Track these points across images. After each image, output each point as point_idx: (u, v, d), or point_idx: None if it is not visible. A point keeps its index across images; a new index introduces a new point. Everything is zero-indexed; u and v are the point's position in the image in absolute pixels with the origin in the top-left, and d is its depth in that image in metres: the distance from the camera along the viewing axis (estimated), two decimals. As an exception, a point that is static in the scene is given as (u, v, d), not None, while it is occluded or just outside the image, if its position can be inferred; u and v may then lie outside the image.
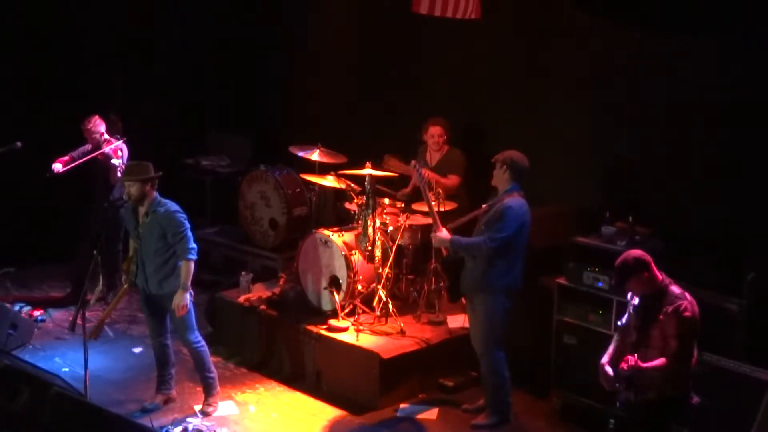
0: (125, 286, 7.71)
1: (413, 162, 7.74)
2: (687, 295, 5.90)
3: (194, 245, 7.33)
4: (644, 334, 5.96)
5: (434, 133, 8.76)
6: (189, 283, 7.31)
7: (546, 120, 8.83)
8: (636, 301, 6.11)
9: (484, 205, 7.34)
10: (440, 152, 8.85)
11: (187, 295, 7.31)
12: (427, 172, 8.55)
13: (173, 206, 7.38)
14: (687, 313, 5.82)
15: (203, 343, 7.61)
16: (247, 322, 8.67)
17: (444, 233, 7.32)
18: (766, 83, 7.34)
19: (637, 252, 6.01)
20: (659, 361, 5.84)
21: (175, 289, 7.32)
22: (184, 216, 7.37)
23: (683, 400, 6.00)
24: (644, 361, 5.83)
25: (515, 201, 7.15)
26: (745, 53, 7.42)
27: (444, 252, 7.58)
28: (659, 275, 5.96)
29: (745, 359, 6.67)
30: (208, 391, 7.67)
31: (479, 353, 7.38)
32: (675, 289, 5.94)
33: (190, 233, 7.34)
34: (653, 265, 5.95)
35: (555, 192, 8.62)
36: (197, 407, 7.69)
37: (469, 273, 7.32)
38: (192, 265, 7.31)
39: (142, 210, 7.39)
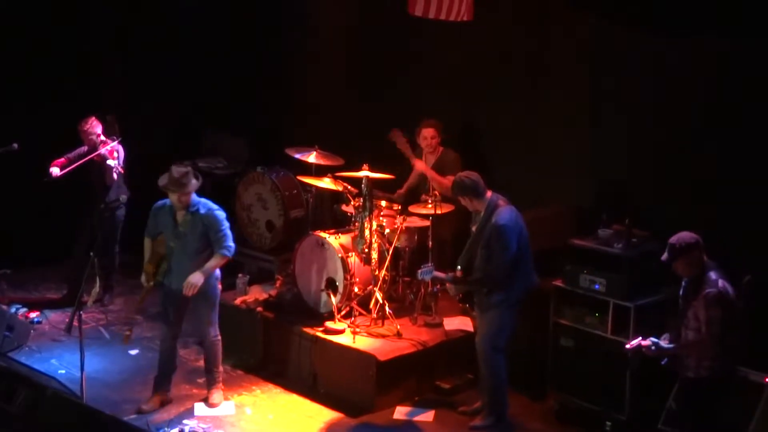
0: (149, 284, 7.72)
1: (419, 270, 7.54)
2: (720, 282, 6.12)
3: (233, 244, 7.48)
4: (684, 314, 6.24)
5: (426, 135, 8.76)
6: (210, 272, 7.43)
7: (544, 121, 8.83)
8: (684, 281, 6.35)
9: (473, 227, 7.32)
10: (435, 154, 8.85)
11: (202, 279, 7.37)
12: (423, 167, 8.58)
13: (212, 205, 7.54)
14: (712, 301, 6.06)
15: (220, 338, 7.73)
16: (243, 325, 8.65)
17: (452, 289, 7.35)
18: (765, 84, 7.35)
19: (690, 234, 6.25)
20: (675, 346, 6.23)
21: (207, 282, 7.46)
22: (224, 214, 7.53)
23: (719, 381, 6.22)
24: (682, 340, 6.21)
25: (504, 215, 7.14)
26: (745, 53, 7.43)
27: (461, 294, 7.55)
28: (705, 260, 6.21)
29: (741, 361, 6.66)
30: (214, 386, 7.79)
31: (480, 353, 7.38)
32: (712, 274, 6.16)
33: (229, 231, 7.51)
34: (703, 250, 6.21)
35: (552, 194, 8.64)
36: (198, 405, 7.76)
37: (481, 294, 7.31)
38: (224, 260, 7.48)
39: (181, 211, 7.44)
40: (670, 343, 6.29)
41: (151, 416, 7.53)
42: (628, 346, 6.44)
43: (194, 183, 7.41)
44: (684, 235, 6.24)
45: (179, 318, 7.73)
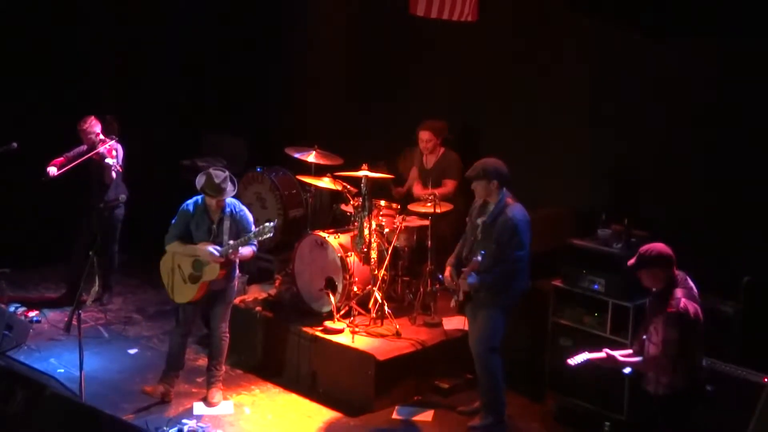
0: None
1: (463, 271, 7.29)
2: (682, 302, 5.93)
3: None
4: (647, 327, 6.08)
5: (423, 138, 8.78)
6: (236, 257, 7.59)
7: (544, 122, 8.83)
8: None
9: (479, 220, 7.27)
10: (435, 155, 8.85)
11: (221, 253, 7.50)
12: (420, 191, 8.52)
13: (242, 205, 7.73)
14: (670, 321, 5.88)
15: (228, 336, 7.84)
16: (242, 324, 8.63)
17: (472, 277, 7.15)
18: (765, 85, 7.35)
19: (661, 247, 6.03)
20: (634, 359, 6.08)
21: (234, 276, 7.73)
22: (252, 217, 7.75)
23: (680, 400, 6.05)
24: (645, 354, 6.01)
25: (517, 211, 7.12)
26: (744, 55, 7.43)
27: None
28: (675, 276, 6.01)
29: (740, 362, 6.67)
30: (214, 384, 7.83)
31: (475, 355, 7.37)
32: (677, 292, 5.97)
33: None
34: (672, 266, 5.99)
35: (552, 194, 8.63)
36: (197, 404, 7.76)
37: (479, 293, 7.24)
38: (251, 255, 7.73)
39: (216, 213, 7.57)
40: (635, 354, 6.16)
41: (150, 415, 7.51)
42: (571, 362, 6.24)
43: (231, 188, 7.54)
44: (656, 247, 6.03)
45: (193, 316, 7.84)
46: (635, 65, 8.14)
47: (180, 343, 7.83)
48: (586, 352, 6.21)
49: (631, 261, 6.09)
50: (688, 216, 7.78)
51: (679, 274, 6.07)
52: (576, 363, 6.22)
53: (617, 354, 6.14)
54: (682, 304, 5.91)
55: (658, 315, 5.97)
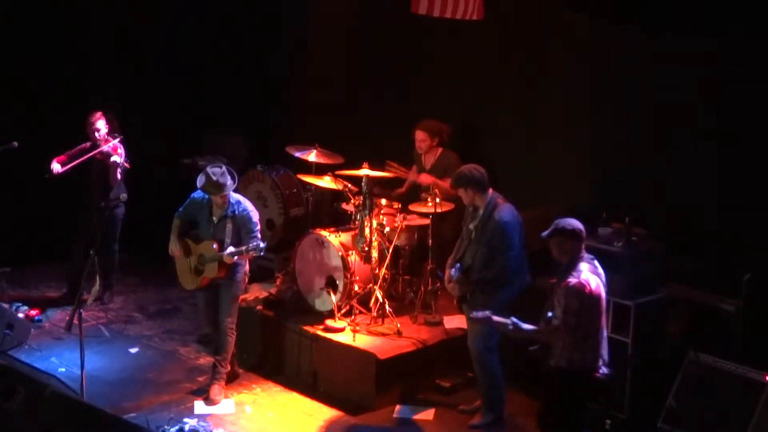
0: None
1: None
2: (582, 274, 6.07)
3: (263, 244, 7.58)
4: (552, 302, 6.21)
5: (417, 138, 8.79)
6: (237, 257, 7.54)
7: (544, 121, 8.84)
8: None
9: (471, 225, 7.27)
10: (433, 155, 8.84)
11: (234, 259, 7.54)
12: (427, 180, 8.54)
13: (248, 204, 7.74)
14: (569, 291, 6.03)
15: (235, 331, 7.88)
16: (244, 323, 8.62)
17: (455, 272, 7.25)
18: (765, 85, 7.36)
19: (575, 222, 6.22)
20: (534, 327, 6.21)
21: (238, 271, 7.75)
22: (258, 214, 7.72)
23: (580, 375, 6.18)
24: (547, 324, 6.16)
25: (505, 212, 7.13)
26: (745, 53, 7.44)
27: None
28: (581, 252, 6.19)
29: (741, 360, 6.69)
30: (217, 381, 7.86)
31: (473, 354, 7.37)
32: (581, 266, 6.14)
33: (259, 233, 7.71)
34: (581, 241, 6.19)
35: (552, 193, 8.65)
36: (198, 403, 7.77)
37: (476, 294, 7.26)
38: (252, 254, 7.60)
39: (219, 209, 7.62)
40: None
41: (151, 414, 7.52)
42: (473, 315, 6.51)
43: (230, 182, 7.57)
44: (569, 221, 6.23)
45: (213, 308, 7.87)
46: (635, 65, 8.15)
47: (212, 332, 7.93)
48: (489, 311, 6.40)
49: (545, 232, 6.24)
50: (688, 214, 7.79)
51: (587, 255, 6.22)
52: (477, 317, 6.47)
53: (523, 324, 6.23)
54: (583, 277, 6.07)
55: (561, 288, 6.10)
